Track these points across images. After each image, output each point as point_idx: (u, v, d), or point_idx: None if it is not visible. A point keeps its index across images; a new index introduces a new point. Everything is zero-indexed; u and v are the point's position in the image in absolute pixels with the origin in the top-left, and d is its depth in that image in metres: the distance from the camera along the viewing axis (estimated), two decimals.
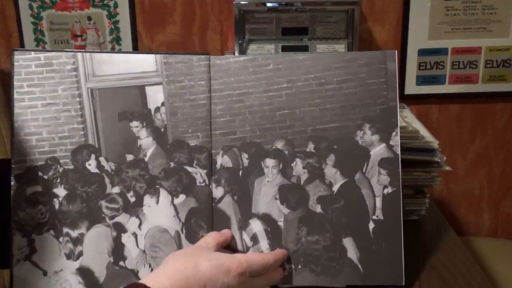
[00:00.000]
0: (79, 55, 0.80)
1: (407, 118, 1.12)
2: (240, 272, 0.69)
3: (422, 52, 1.54)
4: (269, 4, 1.32)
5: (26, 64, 0.79)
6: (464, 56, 1.55)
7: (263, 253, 0.77)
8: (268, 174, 0.80)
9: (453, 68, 1.56)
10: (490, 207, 1.74)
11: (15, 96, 0.78)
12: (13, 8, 1.55)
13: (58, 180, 0.78)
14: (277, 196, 0.79)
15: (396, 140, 0.79)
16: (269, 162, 0.80)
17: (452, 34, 1.53)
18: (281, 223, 0.79)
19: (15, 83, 0.78)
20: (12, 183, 0.77)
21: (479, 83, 1.58)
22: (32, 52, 0.79)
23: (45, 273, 0.76)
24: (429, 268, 0.88)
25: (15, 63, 0.78)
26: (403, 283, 0.78)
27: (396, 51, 0.81)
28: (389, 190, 0.79)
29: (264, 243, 0.78)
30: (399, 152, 0.79)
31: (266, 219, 0.79)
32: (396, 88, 0.80)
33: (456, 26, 1.52)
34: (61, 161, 0.78)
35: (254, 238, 0.78)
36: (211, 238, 0.75)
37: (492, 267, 1.45)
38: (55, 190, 0.78)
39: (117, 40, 1.57)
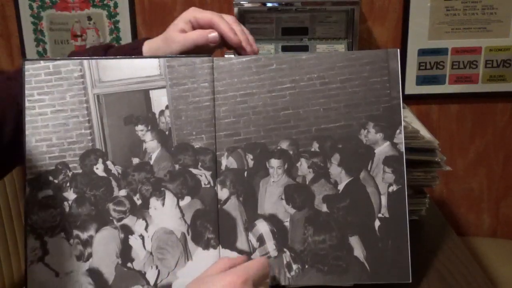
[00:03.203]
0: (85, 62, 0.80)
1: (407, 118, 1.12)
2: (242, 281, 0.67)
3: (422, 52, 1.55)
4: (269, 4, 1.32)
5: (36, 73, 0.80)
6: (464, 56, 1.55)
7: (255, 258, 0.76)
8: (273, 174, 0.80)
9: (453, 68, 1.57)
10: (490, 207, 1.75)
11: (27, 104, 0.79)
12: (13, 8, 1.55)
13: (68, 184, 0.79)
14: (283, 196, 0.79)
15: (400, 138, 0.80)
16: (274, 162, 0.80)
17: (452, 34, 1.53)
18: (287, 223, 0.79)
19: (26, 92, 0.79)
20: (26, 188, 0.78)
21: (479, 83, 1.58)
22: (42, 61, 0.80)
23: (57, 274, 0.77)
24: (429, 268, 0.88)
25: (26, 73, 0.79)
26: (410, 280, 0.78)
27: (398, 49, 0.81)
28: (394, 188, 0.79)
29: (270, 244, 0.78)
30: (403, 150, 0.79)
31: (272, 219, 0.79)
32: (399, 86, 0.80)
33: (456, 26, 1.52)
34: (70, 165, 0.79)
35: (261, 239, 0.78)
36: (220, 264, 0.73)
37: (492, 267, 1.46)
38: (65, 194, 0.79)
39: (117, 40, 1.57)
